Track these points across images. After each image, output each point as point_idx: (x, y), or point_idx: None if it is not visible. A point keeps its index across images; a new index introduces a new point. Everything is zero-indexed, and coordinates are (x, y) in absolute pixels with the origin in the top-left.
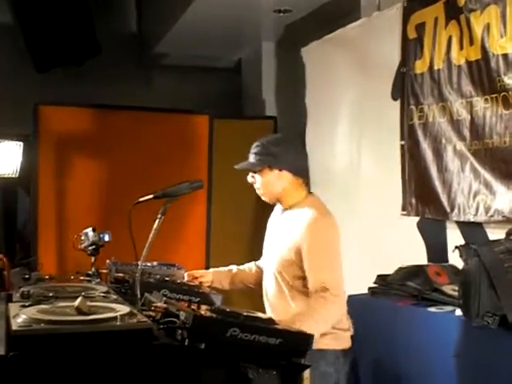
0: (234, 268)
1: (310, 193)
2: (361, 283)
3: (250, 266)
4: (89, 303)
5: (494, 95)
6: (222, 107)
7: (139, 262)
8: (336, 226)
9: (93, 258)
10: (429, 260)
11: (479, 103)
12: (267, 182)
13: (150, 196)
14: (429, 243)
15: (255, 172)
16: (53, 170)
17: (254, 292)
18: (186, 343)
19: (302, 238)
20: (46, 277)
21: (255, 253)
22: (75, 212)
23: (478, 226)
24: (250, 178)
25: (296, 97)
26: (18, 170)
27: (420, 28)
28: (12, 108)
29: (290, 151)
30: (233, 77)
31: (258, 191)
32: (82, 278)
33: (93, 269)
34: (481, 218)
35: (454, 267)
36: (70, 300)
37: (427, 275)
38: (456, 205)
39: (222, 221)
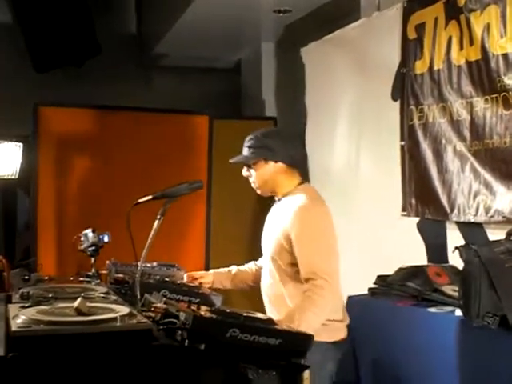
0: (234, 268)
1: (303, 181)
2: (361, 284)
3: (250, 266)
4: (88, 304)
5: (494, 95)
6: (221, 108)
7: (139, 263)
8: (327, 213)
9: (92, 259)
10: (429, 260)
11: (479, 103)
12: (263, 175)
13: (150, 197)
14: (429, 244)
15: (249, 165)
16: (52, 170)
17: (253, 293)
18: (186, 344)
19: (291, 225)
20: (46, 278)
21: (255, 253)
22: (75, 213)
23: (478, 226)
24: (244, 172)
25: (296, 97)
26: (18, 171)
27: (420, 28)
28: (12, 109)
29: (284, 142)
30: (232, 77)
31: (253, 185)
32: (81, 278)
33: (92, 270)
34: (481, 218)
35: (454, 268)
36: (70, 301)
37: (427, 276)
38: (456, 205)
39: (222, 221)
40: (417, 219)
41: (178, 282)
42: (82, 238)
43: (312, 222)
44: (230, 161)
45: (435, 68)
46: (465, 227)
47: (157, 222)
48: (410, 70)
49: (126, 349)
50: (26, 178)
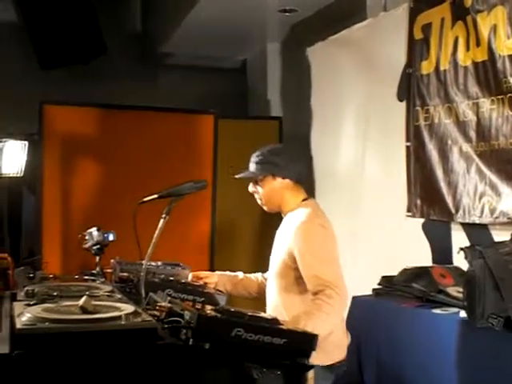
0: (240, 274)
1: (307, 198)
2: (365, 284)
3: (257, 276)
4: (93, 302)
5: (500, 96)
6: (227, 107)
7: (144, 262)
8: (328, 228)
9: (97, 258)
10: (434, 261)
11: (485, 104)
12: (270, 191)
13: (155, 196)
14: (434, 245)
15: (256, 182)
16: (58, 169)
17: (257, 299)
18: (191, 343)
19: (294, 241)
20: (51, 276)
21: (261, 254)
22: (80, 211)
23: (483, 227)
24: (251, 188)
25: (301, 97)
26: (23, 170)
27: (426, 29)
28: (17, 107)
29: (291, 159)
30: (238, 77)
31: (259, 201)
32: (86, 277)
33: (97, 268)
34: (486, 219)
35: (458, 269)
36: (75, 299)
37: (432, 277)
38: (461, 206)
39: (227, 221)
40: (422, 220)
41: (183, 281)
42: (87, 237)
43: (313, 235)
44: (238, 176)
45: (441, 68)
46: (470, 228)
47: (162, 220)
48: (416, 70)
49: (130, 347)
50: (32, 176)
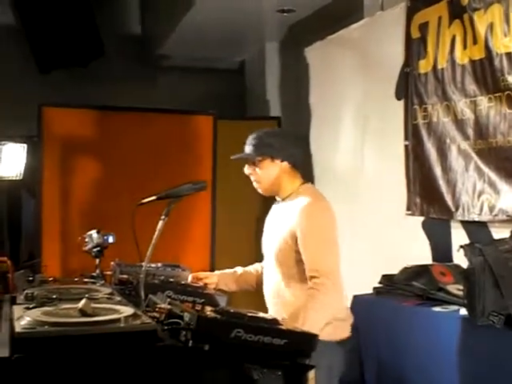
0: (239, 269)
1: (304, 182)
2: (366, 283)
3: (256, 267)
4: (93, 305)
5: (497, 94)
6: (226, 108)
7: (143, 264)
8: (331, 211)
9: (97, 260)
10: (434, 259)
11: (483, 102)
12: (268, 174)
13: (154, 197)
14: (433, 243)
15: (254, 164)
16: (57, 171)
17: (258, 293)
18: (190, 344)
19: (297, 223)
20: (50, 279)
21: (261, 253)
22: (79, 214)
23: (483, 225)
24: (247, 170)
25: (300, 97)
26: (22, 173)
27: (423, 27)
28: (16, 109)
29: (289, 142)
30: (236, 77)
31: (255, 183)
32: (86, 279)
33: (97, 271)
34: (485, 217)
35: (458, 267)
36: (74, 302)
37: (432, 275)
38: (460, 204)
39: (227, 221)
40: (421, 218)
41: (183, 282)
42: (87, 239)
43: (317, 219)
44: (233, 157)
45: (439, 67)
46: (469, 226)
47: (161, 222)
48: (413, 69)
49: (130, 350)
50: (31, 179)
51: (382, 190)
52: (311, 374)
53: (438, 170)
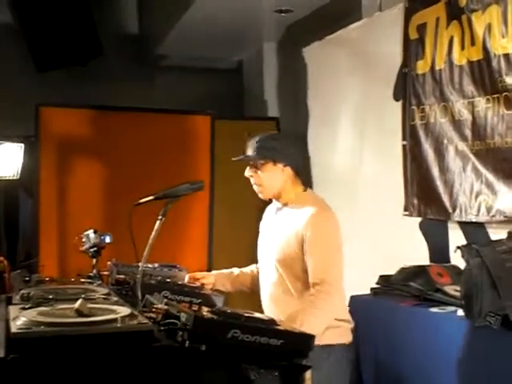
0: (235, 270)
1: (306, 189)
2: (363, 284)
3: (252, 268)
4: (89, 305)
5: (495, 95)
6: (223, 108)
7: (140, 264)
8: (337, 221)
9: (94, 260)
10: (431, 260)
11: (481, 103)
12: (270, 177)
13: (151, 197)
14: (431, 243)
15: (255, 166)
16: (54, 171)
17: (255, 293)
18: (187, 345)
19: (306, 229)
20: (47, 279)
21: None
22: (76, 214)
23: (480, 226)
24: (247, 172)
25: (298, 97)
26: (19, 172)
27: (421, 28)
28: (13, 109)
29: (293, 148)
30: (234, 77)
31: (255, 186)
32: (82, 280)
33: (94, 271)
34: (483, 218)
35: (456, 267)
36: (71, 302)
37: (429, 276)
38: (458, 205)
39: (224, 222)
40: (419, 219)
41: (180, 282)
42: (84, 239)
43: (324, 229)
44: (235, 159)
45: (437, 68)
46: (467, 227)
47: (158, 222)
48: (411, 69)
49: (126, 350)
50: (28, 178)
51: (379, 190)
52: (308, 374)
53: (435, 171)
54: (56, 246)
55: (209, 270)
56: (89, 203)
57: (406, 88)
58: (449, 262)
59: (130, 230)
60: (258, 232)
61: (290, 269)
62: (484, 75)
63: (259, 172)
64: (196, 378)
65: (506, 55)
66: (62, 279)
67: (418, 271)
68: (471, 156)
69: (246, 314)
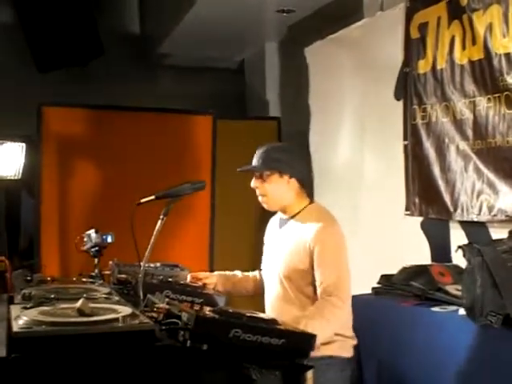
0: (238, 273)
1: (311, 201)
2: (364, 283)
3: (255, 274)
4: (91, 304)
5: (496, 95)
6: (225, 108)
7: (142, 263)
8: (343, 235)
9: (96, 260)
10: (432, 260)
11: (482, 103)
12: (275, 189)
13: (152, 197)
14: (432, 243)
15: (261, 177)
16: (56, 171)
17: (257, 295)
18: (189, 344)
19: (314, 243)
20: (48, 278)
21: (259, 254)
22: (78, 213)
23: (482, 225)
24: (253, 183)
25: (299, 97)
26: (21, 172)
27: (423, 28)
28: (15, 109)
29: (298, 160)
30: (236, 77)
31: (261, 198)
32: (84, 279)
33: (96, 270)
34: (484, 217)
35: (457, 267)
36: (72, 302)
37: (431, 275)
38: (459, 204)
39: (226, 222)
40: (420, 219)
41: (182, 282)
42: (85, 239)
43: (334, 241)
44: (240, 169)
45: (438, 67)
46: (468, 226)
47: (160, 222)
48: (412, 69)
49: (128, 349)
50: (30, 178)
51: (381, 190)
52: (309, 374)
53: (436, 170)
54: (58, 246)
55: (210, 270)
56: (90, 203)
57: (408, 87)
58: (450, 261)
59: (131, 229)
60: (259, 232)
61: (296, 282)
62: (485, 75)
63: (265, 183)
64: (197, 378)
65: (507, 54)
66: (64, 279)
67: (419, 271)
68: (472, 155)
69: (248, 314)
